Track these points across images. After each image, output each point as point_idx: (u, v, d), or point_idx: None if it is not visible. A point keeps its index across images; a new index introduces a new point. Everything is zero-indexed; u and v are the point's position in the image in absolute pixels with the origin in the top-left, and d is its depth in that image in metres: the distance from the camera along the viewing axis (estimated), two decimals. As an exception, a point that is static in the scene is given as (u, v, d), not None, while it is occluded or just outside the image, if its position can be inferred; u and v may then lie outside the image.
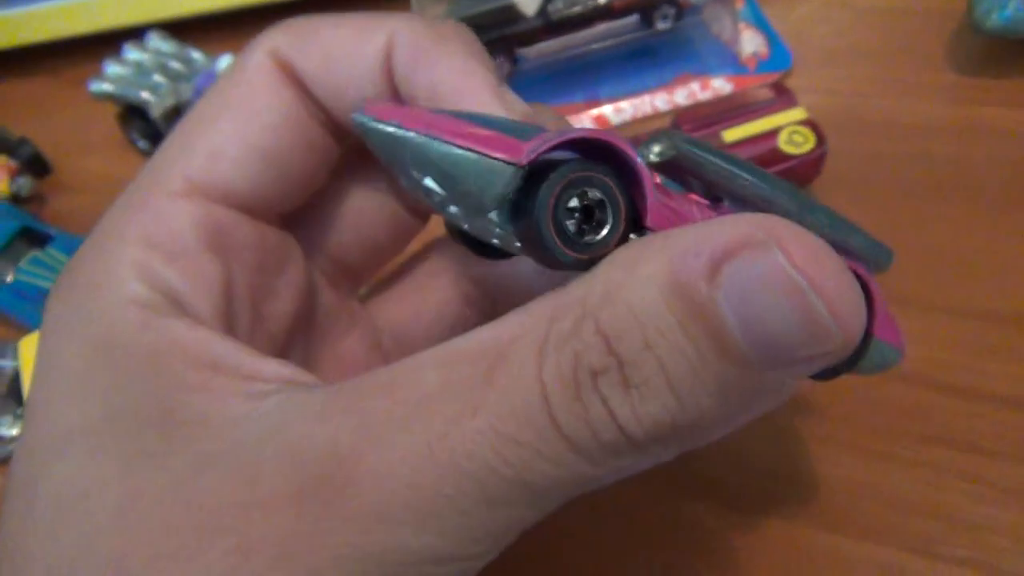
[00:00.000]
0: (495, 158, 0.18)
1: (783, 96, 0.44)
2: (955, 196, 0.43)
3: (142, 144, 0.57)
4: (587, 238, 0.19)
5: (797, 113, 0.43)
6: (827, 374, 0.23)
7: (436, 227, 0.30)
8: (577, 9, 0.49)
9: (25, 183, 0.55)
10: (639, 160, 0.19)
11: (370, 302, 0.31)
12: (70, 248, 0.48)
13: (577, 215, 0.18)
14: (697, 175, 0.21)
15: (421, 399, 0.18)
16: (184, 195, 0.23)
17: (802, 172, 0.42)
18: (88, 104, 0.57)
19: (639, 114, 0.51)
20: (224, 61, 0.55)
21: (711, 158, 0.21)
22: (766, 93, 0.45)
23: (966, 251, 0.40)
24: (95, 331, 0.21)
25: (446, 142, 0.19)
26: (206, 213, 0.23)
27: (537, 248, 0.18)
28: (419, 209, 0.30)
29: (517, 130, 0.19)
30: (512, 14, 0.49)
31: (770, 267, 0.16)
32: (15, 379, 0.39)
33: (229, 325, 0.23)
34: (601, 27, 0.51)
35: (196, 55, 0.57)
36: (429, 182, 0.20)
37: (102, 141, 0.59)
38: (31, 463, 0.20)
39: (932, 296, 0.38)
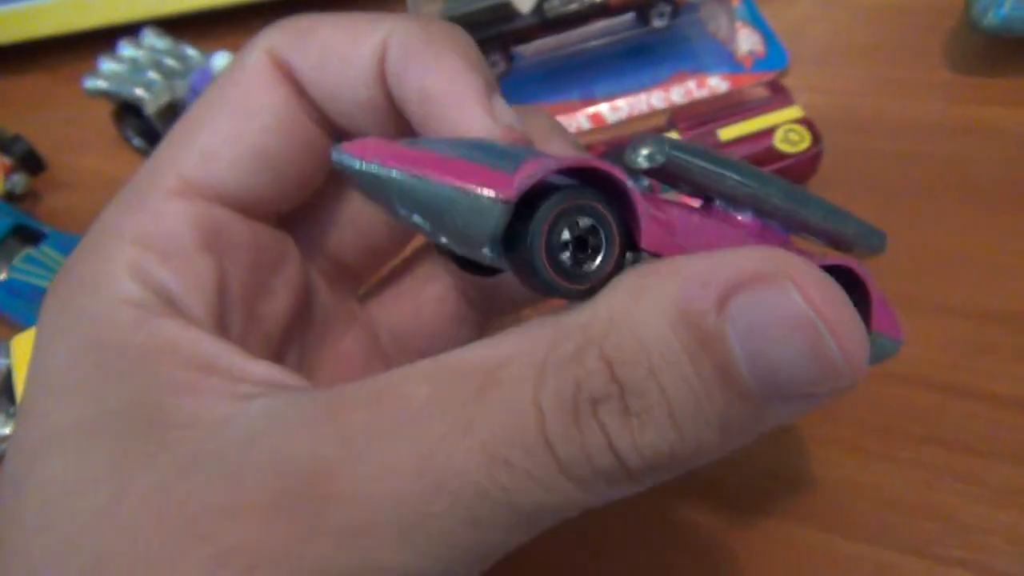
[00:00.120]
0: (483, 195, 0.17)
1: (779, 95, 0.44)
2: (951, 195, 0.43)
3: (137, 141, 0.57)
4: (583, 268, 0.18)
5: (793, 112, 0.43)
6: None
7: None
8: (573, 7, 0.49)
9: (19, 180, 0.55)
10: (629, 184, 0.19)
11: (369, 302, 0.31)
12: (64, 246, 0.48)
13: (571, 247, 0.18)
14: (686, 180, 0.21)
15: (409, 414, 0.18)
16: (179, 194, 0.23)
17: (798, 171, 0.42)
18: (83, 101, 0.56)
19: (635, 112, 0.51)
20: (218, 58, 0.55)
21: (699, 162, 0.20)
22: (762, 92, 0.45)
23: (962, 250, 0.40)
24: (88, 330, 0.21)
25: (431, 180, 0.18)
26: (201, 212, 0.23)
27: (533, 281, 0.18)
28: None
29: (504, 156, 0.18)
30: (508, 12, 0.49)
31: (784, 303, 0.16)
32: (7, 377, 0.39)
33: (222, 325, 0.23)
34: (597, 25, 0.51)
35: (191, 52, 0.57)
36: (417, 219, 0.20)
37: (97, 138, 0.59)
38: (21, 460, 0.20)
39: (928, 295, 0.38)
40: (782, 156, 0.42)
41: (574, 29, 0.51)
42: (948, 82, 0.48)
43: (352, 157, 0.21)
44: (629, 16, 0.51)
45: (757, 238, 0.22)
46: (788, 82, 0.50)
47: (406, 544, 0.17)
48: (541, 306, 0.33)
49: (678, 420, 0.17)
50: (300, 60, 0.24)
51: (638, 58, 0.53)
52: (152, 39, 0.57)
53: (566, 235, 0.18)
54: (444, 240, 0.20)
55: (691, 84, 0.51)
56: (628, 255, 0.19)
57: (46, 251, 0.48)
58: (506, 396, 0.17)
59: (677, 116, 0.45)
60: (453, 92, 0.23)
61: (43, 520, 0.19)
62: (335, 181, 0.28)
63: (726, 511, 0.33)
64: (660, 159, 0.20)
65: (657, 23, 0.51)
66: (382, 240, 0.30)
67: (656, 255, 0.19)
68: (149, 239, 0.22)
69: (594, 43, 0.52)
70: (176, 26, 0.60)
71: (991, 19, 0.44)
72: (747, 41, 0.53)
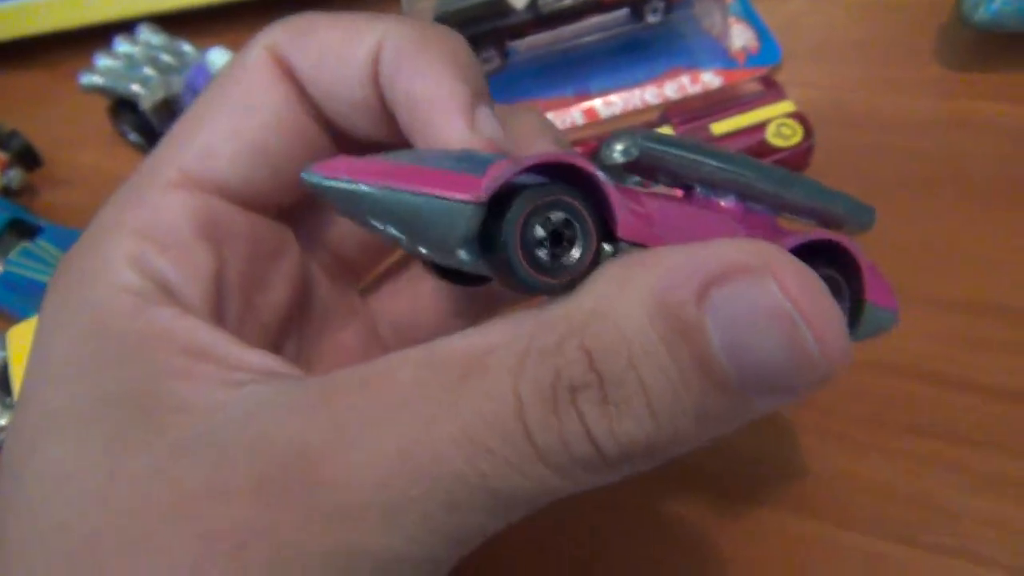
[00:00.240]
0: (453, 199, 0.18)
1: (771, 89, 0.44)
2: (942, 189, 0.43)
3: (133, 137, 0.57)
4: (560, 261, 0.19)
5: (785, 106, 0.43)
6: None
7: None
8: (567, 2, 0.49)
9: (16, 175, 0.55)
10: (600, 174, 0.19)
11: (369, 296, 0.32)
12: (60, 240, 0.48)
13: (546, 242, 0.18)
14: (664, 170, 0.21)
15: (395, 399, 0.18)
16: (179, 187, 0.24)
17: (790, 164, 0.42)
18: (79, 97, 0.57)
19: (629, 107, 0.51)
20: (214, 54, 0.55)
21: (673, 151, 0.20)
22: (755, 87, 0.46)
23: (953, 244, 0.40)
24: (88, 318, 0.21)
25: (400, 189, 0.19)
26: (200, 204, 0.24)
27: (513, 281, 0.18)
28: None
29: (474, 161, 0.19)
30: (502, 7, 0.49)
31: (762, 295, 0.16)
32: (3, 369, 0.39)
33: (219, 313, 0.23)
34: (591, 20, 0.51)
35: (187, 48, 0.57)
36: (392, 231, 0.20)
37: (93, 134, 0.59)
38: (20, 447, 0.20)
39: (918, 288, 0.38)
40: (774, 150, 0.42)
41: (568, 25, 0.51)
42: (939, 77, 0.49)
43: (321, 176, 0.21)
44: (623, 12, 0.51)
45: (741, 222, 0.22)
46: (781, 77, 0.50)
47: (390, 527, 0.17)
48: (538, 299, 0.34)
49: (655, 410, 0.17)
50: (300, 58, 0.25)
51: (632, 54, 0.53)
52: (148, 35, 0.58)
53: (540, 231, 0.18)
54: (423, 250, 0.20)
55: (685, 80, 0.52)
56: (607, 247, 0.19)
57: (42, 245, 0.48)
58: (488, 384, 0.17)
59: (670, 111, 0.45)
60: (438, 99, 0.23)
61: (37, 503, 0.19)
62: None
63: (716, 501, 0.34)
64: (634, 152, 0.20)
65: (651, 19, 0.51)
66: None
67: (639, 246, 0.19)
68: (148, 230, 0.23)
69: (588, 39, 0.52)
70: (172, 22, 0.60)
71: (982, 14, 0.44)
72: (740, 37, 0.53)
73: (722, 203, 0.22)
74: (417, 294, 0.31)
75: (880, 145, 0.46)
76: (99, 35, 0.61)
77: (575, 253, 0.19)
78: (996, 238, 0.40)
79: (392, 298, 0.31)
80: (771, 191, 0.22)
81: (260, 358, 0.21)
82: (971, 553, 0.31)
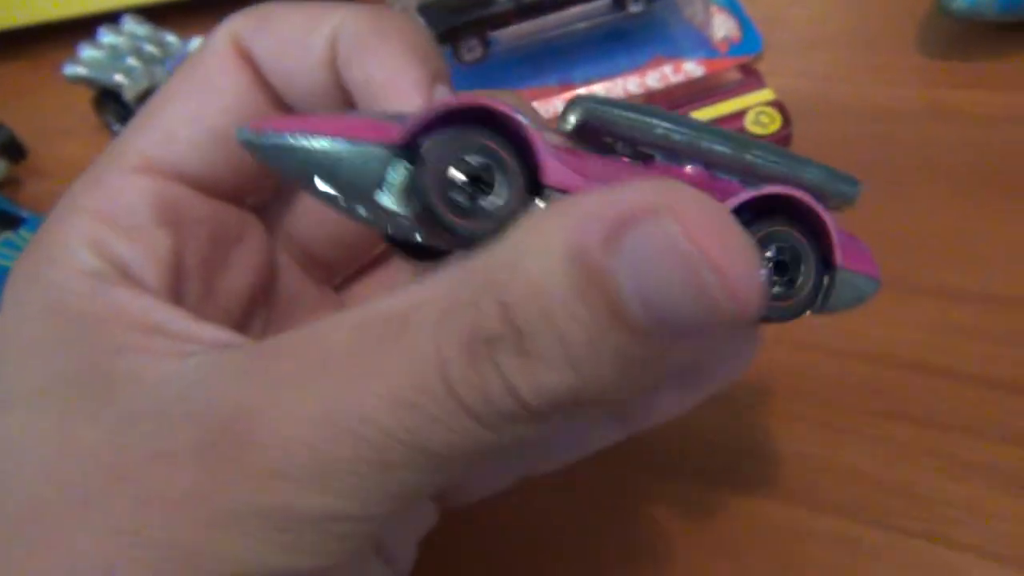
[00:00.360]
0: (369, 142, 0.18)
1: (751, 78, 0.45)
2: (922, 178, 0.43)
3: (117, 128, 0.57)
4: (482, 204, 0.19)
5: (764, 94, 0.43)
6: (787, 313, 0.22)
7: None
8: (549, -8, 0.50)
9: (0, 167, 0.55)
10: (521, 118, 0.19)
11: (344, 292, 0.32)
12: (43, 231, 0.48)
13: (467, 186, 0.18)
14: (614, 134, 0.21)
15: (326, 360, 0.18)
16: (139, 171, 0.24)
17: (769, 152, 0.42)
18: (64, 89, 0.57)
19: (612, 97, 0.51)
20: (197, 44, 0.55)
21: (621, 112, 0.20)
22: (735, 75, 0.46)
23: (932, 231, 0.41)
24: (47, 300, 0.21)
25: (322, 136, 0.19)
26: (160, 189, 0.24)
27: (437, 228, 0.18)
28: None
29: (405, 117, 0.19)
30: (484, -3, 0.49)
31: (663, 236, 0.16)
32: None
33: (177, 295, 0.23)
34: (574, 10, 0.51)
35: (170, 38, 0.57)
36: (321, 184, 0.20)
37: (78, 125, 0.59)
38: None
39: (897, 275, 0.38)
40: (753, 137, 0.42)
41: (551, 14, 0.51)
42: (920, 66, 0.49)
43: (253, 133, 0.21)
44: (606, 1, 0.51)
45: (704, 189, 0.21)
46: (762, 67, 0.50)
47: (324, 487, 0.17)
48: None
49: (573, 359, 0.17)
50: (259, 45, 0.25)
51: (615, 43, 0.53)
52: (132, 26, 0.58)
53: (456, 173, 0.18)
54: (360, 210, 0.20)
55: (667, 69, 0.52)
56: (539, 201, 0.19)
57: (25, 236, 0.48)
58: (412, 340, 0.17)
59: (652, 101, 0.45)
60: (395, 80, 0.23)
61: None
62: None
63: (687, 485, 0.34)
64: (584, 115, 0.20)
65: (633, 8, 0.51)
66: (350, 237, 0.30)
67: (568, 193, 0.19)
68: (107, 213, 0.23)
69: (571, 28, 0.52)
70: (156, 13, 0.61)
71: (960, 3, 0.44)
72: (722, 26, 0.53)
73: (687, 170, 0.22)
74: (392, 288, 0.31)
75: (860, 134, 0.46)
76: (84, 27, 0.61)
77: (496, 199, 0.19)
78: (975, 226, 0.40)
79: (368, 293, 0.31)
80: (729, 154, 0.22)
81: (213, 331, 0.21)
82: (944, 536, 0.31)
